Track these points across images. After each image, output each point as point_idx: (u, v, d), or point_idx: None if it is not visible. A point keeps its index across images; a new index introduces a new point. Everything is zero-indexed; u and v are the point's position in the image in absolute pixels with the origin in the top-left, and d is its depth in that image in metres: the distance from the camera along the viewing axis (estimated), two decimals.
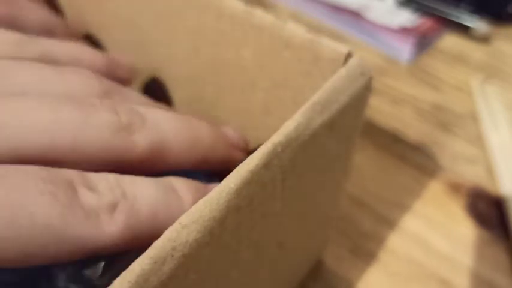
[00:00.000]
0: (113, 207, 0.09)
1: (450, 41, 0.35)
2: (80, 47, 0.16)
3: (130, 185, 0.10)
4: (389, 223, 0.23)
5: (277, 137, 0.10)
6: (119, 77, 0.16)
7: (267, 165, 0.10)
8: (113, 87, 0.13)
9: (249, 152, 0.10)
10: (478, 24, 0.35)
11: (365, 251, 0.21)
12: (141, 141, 0.11)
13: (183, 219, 0.08)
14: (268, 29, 0.14)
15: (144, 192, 0.10)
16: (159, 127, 0.12)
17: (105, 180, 0.10)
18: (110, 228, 0.09)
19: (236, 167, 0.09)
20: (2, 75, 0.11)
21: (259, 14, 0.14)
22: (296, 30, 0.14)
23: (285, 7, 0.38)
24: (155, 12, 0.17)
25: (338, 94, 0.12)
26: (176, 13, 0.17)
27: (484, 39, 0.35)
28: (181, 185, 0.11)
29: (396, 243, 0.22)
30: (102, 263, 0.10)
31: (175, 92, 0.19)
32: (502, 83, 0.31)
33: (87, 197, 0.09)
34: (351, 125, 0.14)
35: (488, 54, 0.34)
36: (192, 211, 0.09)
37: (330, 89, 0.12)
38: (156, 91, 0.19)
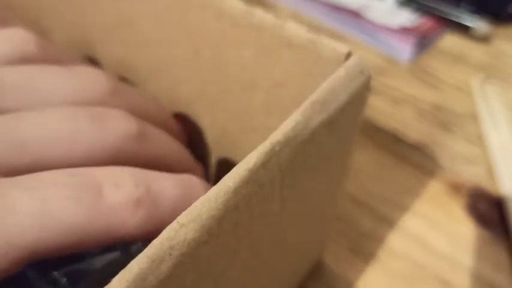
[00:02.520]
0: (137, 202, 0.11)
1: (450, 41, 0.35)
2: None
3: (154, 180, 0.11)
4: (389, 223, 0.23)
5: (275, 136, 0.10)
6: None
7: (265, 164, 0.10)
8: (119, 86, 0.15)
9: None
10: (478, 24, 0.35)
11: (365, 250, 0.21)
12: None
13: (181, 218, 0.08)
14: (268, 29, 0.14)
15: (166, 188, 0.11)
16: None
17: (132, 176, 0.11)
18: (133, 221, 0.10)
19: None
20: (25, 83, 0.13)
21: (260, 14, 0.14)
22: (296, 30, 0.14)
23: (285, 7, 0.38)
24: (155, 12, 0.17)
25: (337, 93, 0.12)
26: (176, 13, 0.17)
27: (484, 39, 0.35)
28: (197, 181, 0.13)
29: (396, 243, 0.22)
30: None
31: (175, 92, 0.19)
32: (502, 83, 0.31)
33: (112, 194, 0.10)
34: (350, 124, 0.14)
35: (488, 54, 0.34)
36: (190, 210, 0.09)
37: (328, 88, 0.12)
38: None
